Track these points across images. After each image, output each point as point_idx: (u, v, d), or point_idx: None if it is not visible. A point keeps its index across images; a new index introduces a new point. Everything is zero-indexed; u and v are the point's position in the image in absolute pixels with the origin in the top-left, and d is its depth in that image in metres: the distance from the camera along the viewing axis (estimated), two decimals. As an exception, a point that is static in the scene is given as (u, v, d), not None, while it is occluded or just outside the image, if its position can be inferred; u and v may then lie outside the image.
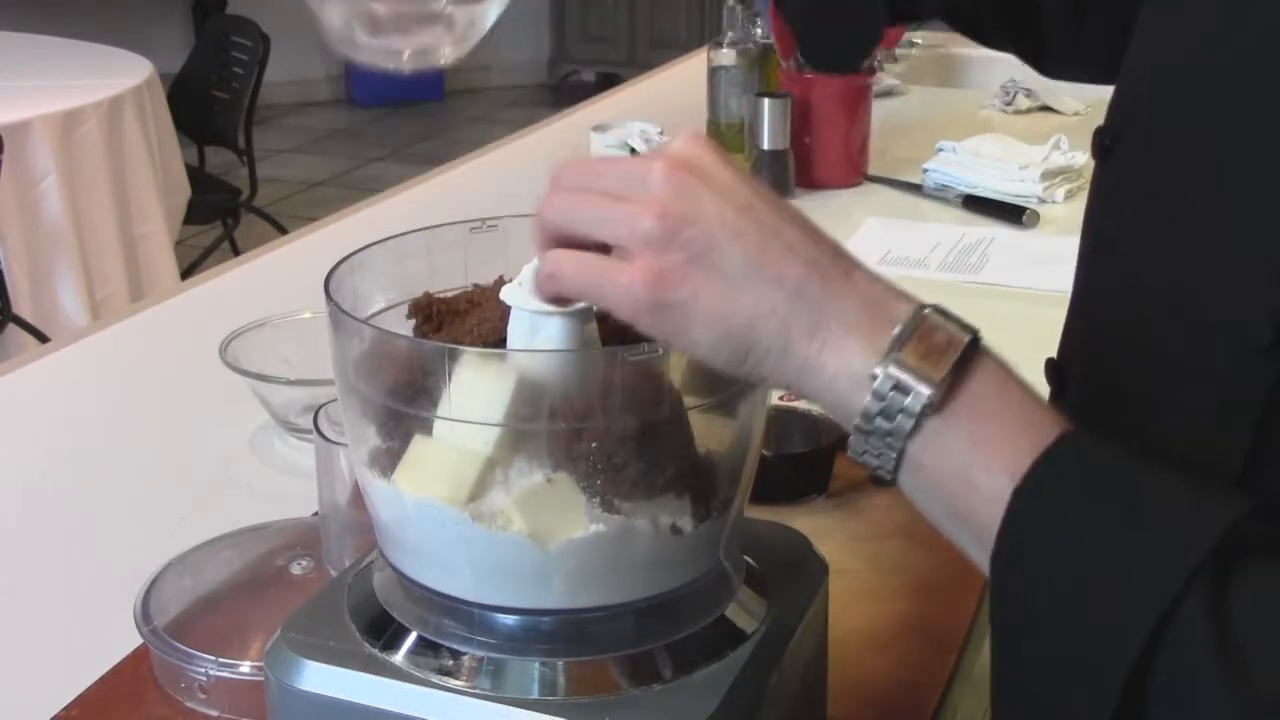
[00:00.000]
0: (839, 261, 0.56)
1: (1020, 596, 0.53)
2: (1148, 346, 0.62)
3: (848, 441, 0.56)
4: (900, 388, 0.53)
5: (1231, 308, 0.57)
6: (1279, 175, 0.56)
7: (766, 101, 1.75)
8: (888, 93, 2.26)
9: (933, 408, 0.53)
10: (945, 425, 0.53)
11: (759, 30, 1.92)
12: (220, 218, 3.70)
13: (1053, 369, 0.73)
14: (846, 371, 0.54)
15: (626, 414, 0.59)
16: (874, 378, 0.53)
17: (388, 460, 0.63)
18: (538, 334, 0.61)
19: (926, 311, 0.55)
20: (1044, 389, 0.69)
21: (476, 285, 0.68)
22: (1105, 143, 0.68)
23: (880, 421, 0.53)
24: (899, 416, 0.53)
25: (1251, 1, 0.60)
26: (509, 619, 0.62)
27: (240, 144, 3.74)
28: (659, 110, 2.04)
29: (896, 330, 0.54)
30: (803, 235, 0.56)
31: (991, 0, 0.95)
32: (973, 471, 0.53)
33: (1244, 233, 0.57)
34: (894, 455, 0.54)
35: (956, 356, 0.54)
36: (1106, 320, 0.66)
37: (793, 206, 0.58)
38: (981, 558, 0.54)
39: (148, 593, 0.87)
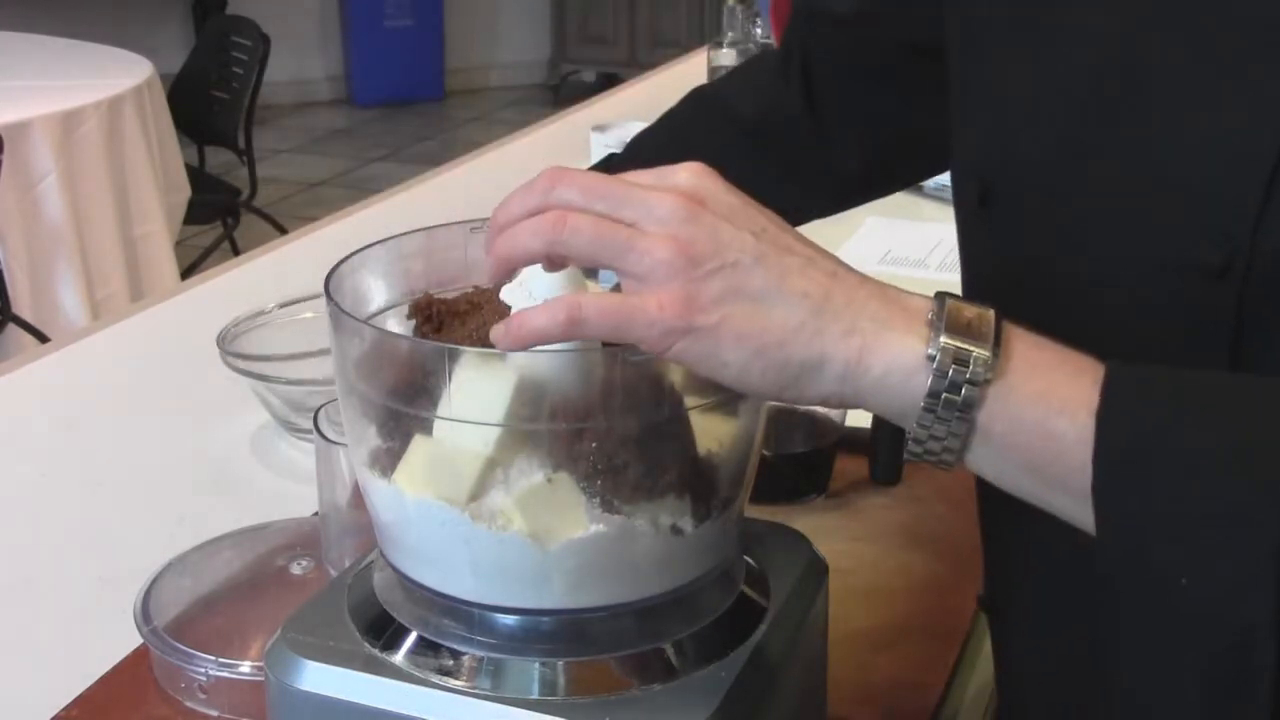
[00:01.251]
0: (850, 271, 0.58)
1: (1139, 510, 0.53)
2: (1080, 326, 0.64)
3: (905, 439, 0.56)
4: (960, 360, 0.54)
5: (1174, 245, 0.60)
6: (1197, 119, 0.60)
7: (766, 101, 1.74)
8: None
9: (993, 374, 0.54)
10: (1008, 389, 0.55)
11: (759, 30, 1.93)
12: (220, 218, 3.70)
13: None
14: (898, 364, 0.55)
15: (627, 414, 0.59)
16: (932, 358, 0.55)
17: (388, 460, 0.63)
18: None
19: (946, 297, 0.57)
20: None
21: (477, 286, 0.68)
22: (980, 191, 0.71)
23: (946, 398, 0.54)
24: (964, 389, 0.54)
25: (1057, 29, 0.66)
26: (509, 619, 0.62)
27: (240, 144, 3.74)
28: (659, 110, 2.03)
29: (930, 315, 0.56)
30: (814, 251, 0.58)
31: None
32: (1050, 422, 0.54)
33: (1172, 185, 0.61)
34: (963, 431, 0.55)
35: (993, 324, 0.56)
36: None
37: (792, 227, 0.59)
38: (1066, 501, 0.55)
39: (148, 593, 0.87)
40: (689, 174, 0.57)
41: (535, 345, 0.57)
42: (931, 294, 0.58)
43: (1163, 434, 0.53)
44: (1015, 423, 0.55)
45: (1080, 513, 0.55)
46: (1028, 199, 0.68)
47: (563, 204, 0.57)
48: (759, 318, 0.55)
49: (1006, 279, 0.71)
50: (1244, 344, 0.60)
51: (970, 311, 0.56)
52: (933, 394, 0.55)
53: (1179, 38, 0.62)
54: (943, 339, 0.55)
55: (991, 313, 0.56)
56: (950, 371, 0.54)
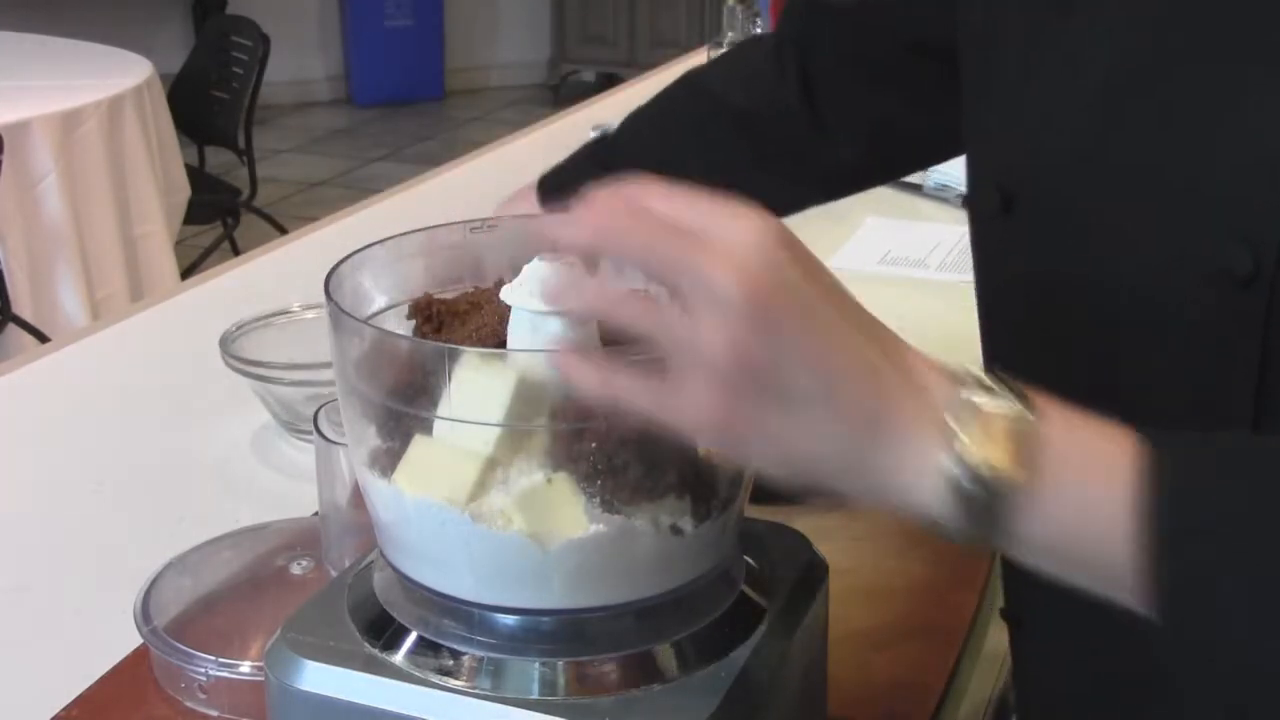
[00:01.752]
0: (893, 360, 0.54)
1: (1198, 588, 0.51)
2: (1106, 335, 0.63)
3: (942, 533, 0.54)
4: (988, 474, 0.52)
5: (1201, 253, 0.59)
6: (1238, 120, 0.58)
7: (766, 101, 1.74)
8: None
9: (1022, 485, 0.52)
10: (1040, 496, 0.52)
11: (759, 30, 1.92)
12: (220, 218, 3.70)
13: None
14: (928, 477, 0.52)
15: (627, 414, 0.59)
16: (952, 477, 0.52)
17: (388, 460, 0.63)
18: (538, 333, 0.61)
19: (976, 399, 0.53)
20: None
21: (477, 286, 0.68)
22: (1002, 198, 0.68)
23: (975, 513, 0.52)
24: (993, 504, 0.52)
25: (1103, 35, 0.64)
26: (509, 619, 0.62)
27: (240, 144, 3.74)
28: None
29: (954, 424, 0.52)
30: (863, 337, 0.54)
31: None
32: (1088, 527, 0.52)
33: (1199, 183, 0.60)
34: (997, 537, 0.53)
35: (1022, 431, 0.52)
36: (1028, 358, 0.66)
37: (857, 301, 0.55)
38: (1111, 588, 0.53)
39: (148, 593, 0.87)
40: (748, 235, 0.51)
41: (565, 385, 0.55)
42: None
43: (1209, 511, 0.51)
44: (1050, 528, 0.53)
45: (1124, 595, 0.52)
46: (1049, 206, 0.67)
47: (616, 243, 0.54)
48: (797, 432, 0.52)
49: (1028, 288, 0.69)
50: (1272, 354, 0.58)
51: (999, 408, 0.52)
52: (962, 507, 0.52)
53: (1199, 38, 0.61)
54: (971, 452, 0.52)
55: (1019, 408, 0.53)
56: (979, 488, 0.52)
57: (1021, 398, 0.54)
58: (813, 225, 0.89)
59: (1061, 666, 0.75)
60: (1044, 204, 0.68)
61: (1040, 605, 0.76)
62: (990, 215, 0.71)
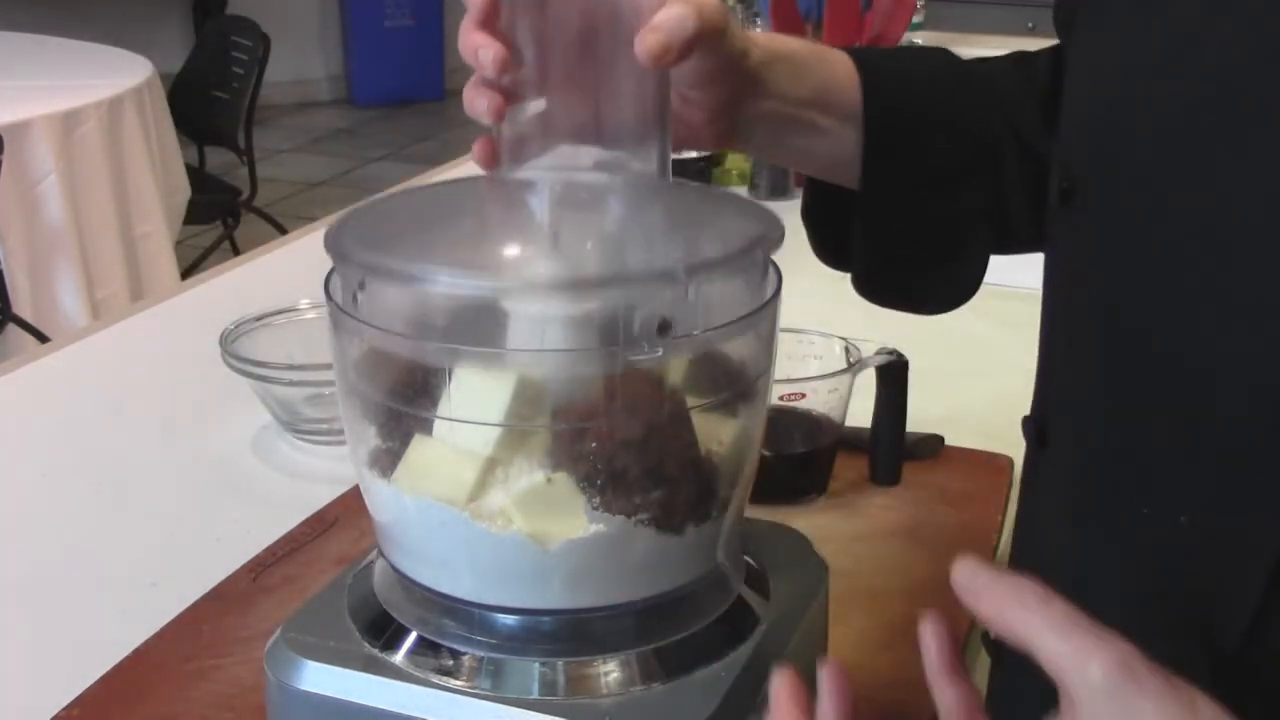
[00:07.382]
0: None
1: None
2: (1161, 392, 0.57)
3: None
4: None
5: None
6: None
7: (766, 101, 1.74)
8: (888, 93, 2.25)
9: None
10: None
11: (759, 30, 1.93)
12: (220, 218, 3.70)
13: (1034, 425, 0.68)
14: None
15: (627, 415, 0.59)
16: None
17: (388, 460, 0.63)
18: (538, 334, 0.61)
19: None
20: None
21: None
22: (1064, 187, 0.62)
23: None
24: None
25: (1214, 17, 0.55)
26: (509, 619, 0.62)
27: (240, 144, 3.74)
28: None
29: None
30: None
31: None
32: None
33: (1240, 265, 0.53)
34: None
35: None
36: (1095, 370, 0.61)
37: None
38: None
39: None
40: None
41: None
42: None
43: None
44: None
45: None
46: (1114, 200, 0.59)
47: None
48: None
49: (1083, 299, 0.61)
50: None
51: None
52: None
53: None
54: None
55: None
56: None
57: None
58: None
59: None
60: (1105, 195, 0.59)
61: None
62: (1052, 206, 0.63)
